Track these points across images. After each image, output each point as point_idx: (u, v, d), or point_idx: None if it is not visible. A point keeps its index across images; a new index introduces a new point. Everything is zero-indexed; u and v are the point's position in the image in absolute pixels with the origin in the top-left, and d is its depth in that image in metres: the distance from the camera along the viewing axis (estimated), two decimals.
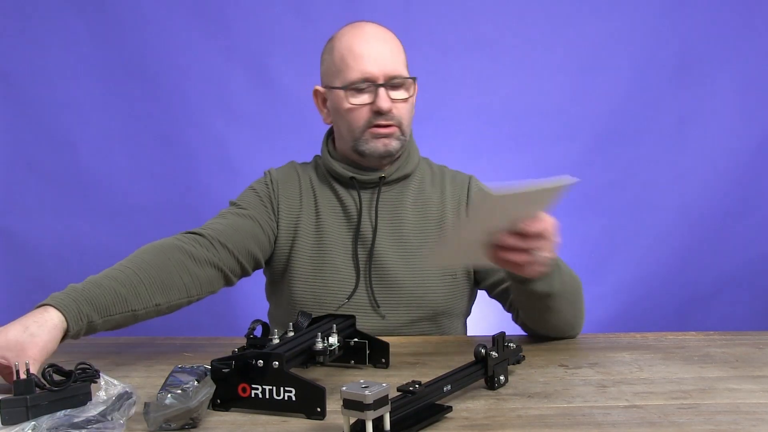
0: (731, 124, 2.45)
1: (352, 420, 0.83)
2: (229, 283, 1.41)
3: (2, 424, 0.85)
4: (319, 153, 1.56)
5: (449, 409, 0.94)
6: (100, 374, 0.94)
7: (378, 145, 1.44)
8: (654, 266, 2.47)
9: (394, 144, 1.45)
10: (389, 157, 1.47)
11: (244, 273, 1.45)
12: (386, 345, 1.18)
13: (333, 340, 1.09)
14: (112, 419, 0.87)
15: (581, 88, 2.45)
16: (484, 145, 2.44)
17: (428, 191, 1.52)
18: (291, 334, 1.09)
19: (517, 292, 1.32)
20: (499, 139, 2.44)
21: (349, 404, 0.82)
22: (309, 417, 0.93)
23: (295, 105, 2.33)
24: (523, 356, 1.12)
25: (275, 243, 1.49)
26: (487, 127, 2.45)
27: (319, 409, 0.93)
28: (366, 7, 2.40)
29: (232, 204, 1.50)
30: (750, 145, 2.46)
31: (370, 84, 1.42)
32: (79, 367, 0.94)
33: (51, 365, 0.93)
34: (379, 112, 1.42)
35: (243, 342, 1.10)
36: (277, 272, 1.50)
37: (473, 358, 1.04)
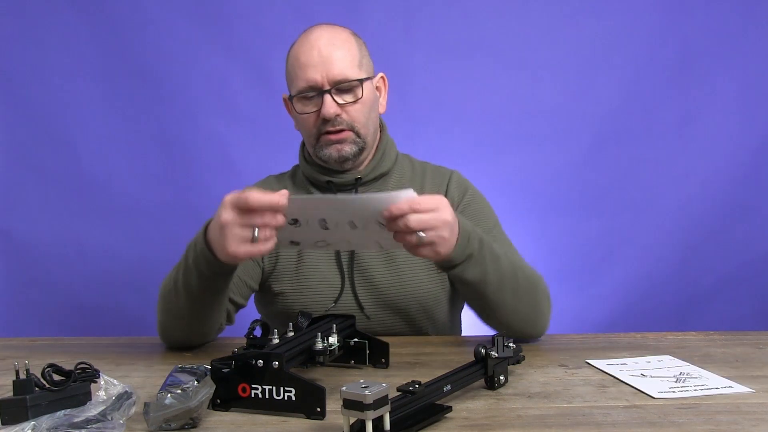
0: (731, 124, 2.45)
1: (352, 420, 0.83)
2: (230, 320, 1.45)
3: (2, 423, 0.85)
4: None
5: (449, 409, 0.94)
6: (100, 374, 0.94)
7: (332, 152, 1.43)
8: (654, 266, 2.47)
9: (347, 149, 1.43)
10: (347, 161, 1.45)
11: (239, 307, 1.47)
12: (386, 345, 1.18)
13: (333, 340, 1.09)
14: (111, 419, 0.87)
15: (581, 88, 2.45)
16: (483, 145, 2.44)
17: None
18: (291, 334, 1.09)
19: (454, 281, 1.31)
20: (499, 139, 2.44)
21: (349, 404, 0.82)
22: (309, 417, 0.93)
23: None
24: (523, 356, 1.12)
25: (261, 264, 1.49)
26: (487, 127, 2.45)
27: (319, 409, 0.93)
28: (366, 7, 2.40)
29: None
30: (750, 145, 2.46)
31: (316, 92, 1.41)
32: (78, 366, 0.94)
33: (50, 365, 0.93)
34: (326, 119, 1.41)
35: (243, 342, 1.10)
36: (264, 289, 1.50)
37: (473, 358, 1.04)
